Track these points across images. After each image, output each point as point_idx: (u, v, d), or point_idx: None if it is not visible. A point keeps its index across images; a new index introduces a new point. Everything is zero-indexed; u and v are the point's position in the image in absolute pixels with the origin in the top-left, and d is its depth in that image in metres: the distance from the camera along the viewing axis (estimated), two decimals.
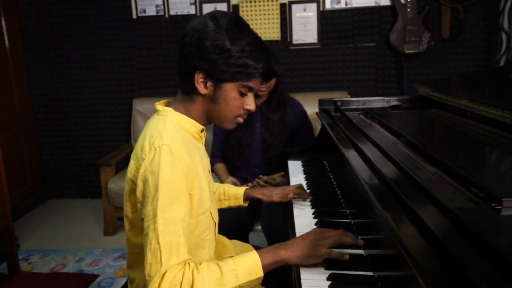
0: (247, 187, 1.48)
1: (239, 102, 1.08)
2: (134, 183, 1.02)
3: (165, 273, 0.89)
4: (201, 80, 1.04)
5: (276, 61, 2.06)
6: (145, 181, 0.97)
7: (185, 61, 1.04)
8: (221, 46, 1.00)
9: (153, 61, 3.37)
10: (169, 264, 0.89)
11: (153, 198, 0.95)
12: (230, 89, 1.05)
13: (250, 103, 1.09)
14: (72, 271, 2.51)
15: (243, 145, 2.13)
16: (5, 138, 3.12)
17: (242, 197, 1.44)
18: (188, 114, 1.10)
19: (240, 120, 1.13)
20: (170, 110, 1.09)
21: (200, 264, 0.94)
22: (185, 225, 0.96)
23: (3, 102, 3.22)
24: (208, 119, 1.13)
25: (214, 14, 1.04)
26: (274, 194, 1.46)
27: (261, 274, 0.96)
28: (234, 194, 1.44)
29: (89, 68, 3.44)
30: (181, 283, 0.88)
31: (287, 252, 1.00)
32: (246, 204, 1.47)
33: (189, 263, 0.93)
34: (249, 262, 0.96)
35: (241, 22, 1.05)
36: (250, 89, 1.07)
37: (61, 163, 3.65)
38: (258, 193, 1.46)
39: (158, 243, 0.91)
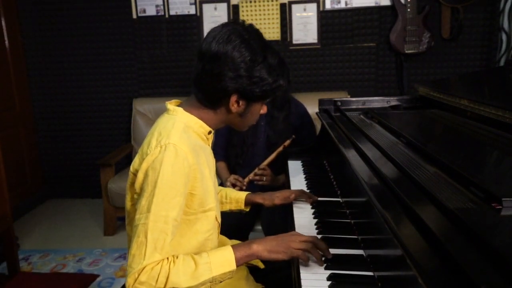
0: (248, 193, 1.49)
1: (260, 111, 1.17)
2: (135, 175, 1.04)
3: (145, 267, 0.93)
4: (235, 101, 1.08)
5: (288, 69, 2.07)
6: (145, 175, 1.00)
7: (219, 84, 1.05)
8: (260, 76, 1.05)
9: (153, 61, 3.37)
10: (151, 260, 0.94)
11: (149, 193, 0.98)
12: (258, 105, 1.13)
13: (265, 108, 1.20)
14: (72, 271, 2.51)
15: (247, 143, 2.14)
16: (5, 138, 3.12)
17: (243, 201, 1.46)
18: (202, 119, 1.12)
19: (255, 122, 1.20)
20: (180, 110, 1.11)
21: (177, 257, 0.98)
22: (175, 224, 1.00)
23: (3, 102, 3.22)
24: (224, 125, 1.17)
25: (242, 35, 1.04)
26: (275, 198, 1.47)
27: (233, 267, 1.00)
28: (236, 198, 1.46)
29: (89, 68, 3.44)
30: (158, 275, 0.93)
31: (258, 246, 1.04)
32: (247, 209, 1.48)
33: (168, 257, 0.97)
34: (223, 255, 1.01)
35: (264, 38, 1.10)
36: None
37: (61, 163, 3.64)
38: (259, 198, 1.47)
39: (146, 237, 0.95)
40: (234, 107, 1.09)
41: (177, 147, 1.00)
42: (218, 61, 1.03)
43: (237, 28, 1.05)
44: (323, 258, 1.05)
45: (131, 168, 1.08)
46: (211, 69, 1.04)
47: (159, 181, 0.97)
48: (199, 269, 0.96)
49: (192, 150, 1.04)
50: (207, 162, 1.12)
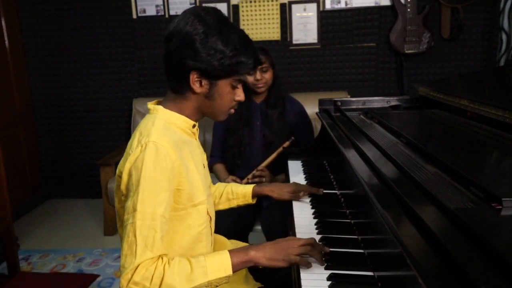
0: (255, 185, 1.49)
1: (232, 95, 1.12)
2: (120, 177, 1.05)
3: (138, 266, 0.92)
4: (196, 79, 1.07)
5: (267, 53, 2.07)
6: (129, 176, 1.01)
7: (177, 62, 1.06)
8: (214, 48, 1.02)
9: (153, 61, 3.37)
10: (143, 258, 0.93)
11: (134, 192, 0.98)
12: (224, 85, 1.09)
13: (240, 94, 1.13)
14: (72, 271, 2.51)
15: (244, 144, 2.13)
16: (5, 138, 3.12)
17: (251, 194, 1.45)
18: (180, 112, 1.12)
19: (232, 111, 1.16)
20: (160, 108, 1.12)
21: (172, 259, 0.97)
22: (164, 221, 0.99)
23: (3, 102, 3.22)
24: (201, 114, 1.15)
25: (197, 13, 1.04)
26: (285, 193, 1.47)
27: (230, 272, 0.98)
28: (243, 192, 1.45)
29: (89, 68, 3.44)
30: (153, 276, 0.92)
31: (257, 253, 1.01)
32: (254, 201, 1.48)
33: (162, 258, 0.96)
34: (219, 260, 0.99)
35: (225, 18, 1.08)
36: (240, 81, 1.11)
37: (61, 163, 3.64)
38: (267, 190, 1.47)
39: (135, 236, 0.95)
40: (196, 87, 1.07)
41: (157, 144, 1.00)
42: (174, 38, 1.05)
43: (195, 9, 1.07)
44: (323, 258, 1.04)
45: (117, 171, 1.08)
46: (168, 47, 1.06)
47: (142, 179, 0.97)
48: (195, 273, 0.95)
49: (174, 145, 1.04)
50: (192, 156, 1.12)
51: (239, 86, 1.12)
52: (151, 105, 1.14)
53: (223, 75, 1.06)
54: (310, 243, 1.04)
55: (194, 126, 1.16)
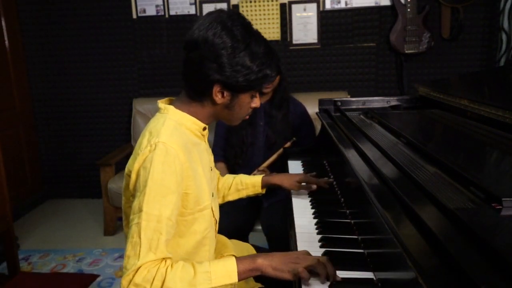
0: (263, 175, 1.51)
1: (250, 104, 1.13)
2: (129, 177, 1.04)
3: (140, 267, 0.91)
4: (219, 91, 1.06)
5: (278, 59, 2.07)
6: (137, 176, 1.00)
7: (201, 73, 1.03)
8: (242, 64, 1.02)
9: (153, 61, 3.37)
10: (145, 260, 0.92)
11: (141, 193, 0.97)
12: (245, 96, 1.09)
13: (256, 101, 1.15)
14: (72, 271, 2.51)
15: (246, 143, 2.14)
16: (5, 138, 3.12)
17: (260, 184, 1.47)
18: (193, 115, 1.11)
19: (247, 117, 1.18)
20: (171, 108, 1.10)
21: (176, 262, 0.96)
22: (170, 224, 0.98)
23: (3, 102, 3.22)
24: (215, 120, 1.16)
25: (224, 23, 1.01)
26: (295, 183, 1.49)
27: (235, 279, 0.95)
28: (252, 182, 1.47)
29: (89, 68, 3.44)
30: (154, 278, 0.90)
31: (264, 261, 0.98)
32: (264, 191, 1.49)
33: (166, 260, 0.95)
34: (225, 267, 0.96)
35: (251, 28, 1.07)
36: (260, 91, 1.13)
37: (61, 163, 3.64)
38: (277, 180, 1.48)
39: (139, 237, 0.93)
40: (218, 98, 1.06)
41: (167, 145, 0.99)
42: (199, 49, 1.01)
43: (221, 16, 1.03)
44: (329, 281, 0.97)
45: (126, 170, 1.07)
46: (193, 57, 1.04)
47: (150, 180, 0.96)
48: (198, 278, 0.92)
49: (184, 147, 1.03)
50: (200, 159, 1.11)
51: (257, 95, 1.13)
52: (162, 104, 1.12)
53: (247, 89, 1.07)
54: (321, 261, 0.97)
55: (204, 129, 1.15)
